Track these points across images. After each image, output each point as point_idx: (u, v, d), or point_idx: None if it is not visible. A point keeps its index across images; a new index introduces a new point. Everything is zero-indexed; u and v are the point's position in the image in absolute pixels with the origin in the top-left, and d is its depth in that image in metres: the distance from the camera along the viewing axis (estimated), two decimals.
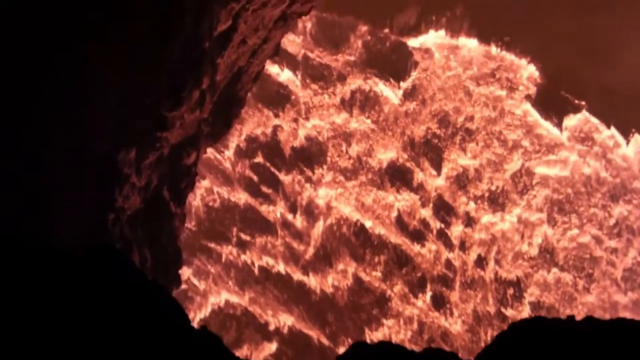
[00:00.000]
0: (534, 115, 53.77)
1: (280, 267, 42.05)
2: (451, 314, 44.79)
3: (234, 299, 40.16)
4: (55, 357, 15.50)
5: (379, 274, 44.13)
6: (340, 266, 43.89)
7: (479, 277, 46.66)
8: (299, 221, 43.93)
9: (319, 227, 44.28)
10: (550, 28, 54.12)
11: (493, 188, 50.63)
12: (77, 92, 30.68)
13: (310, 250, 43.47)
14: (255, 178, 43.62)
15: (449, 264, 46.05)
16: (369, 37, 50.09)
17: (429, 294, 44.95)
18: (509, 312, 46.01)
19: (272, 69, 46.69)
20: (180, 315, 18.88)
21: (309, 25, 48.46)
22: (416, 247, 45.80)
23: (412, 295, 44.35)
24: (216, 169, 42.64)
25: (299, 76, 47.80)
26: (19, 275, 17.04)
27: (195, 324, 18.83)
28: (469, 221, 48.45)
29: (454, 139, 51.13)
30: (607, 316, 45.67)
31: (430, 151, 49.79)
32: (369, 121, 48.22)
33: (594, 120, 54.56)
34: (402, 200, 47.06)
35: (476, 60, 53.44)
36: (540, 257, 48.70)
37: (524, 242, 49.05)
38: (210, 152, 41.46)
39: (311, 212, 44.47)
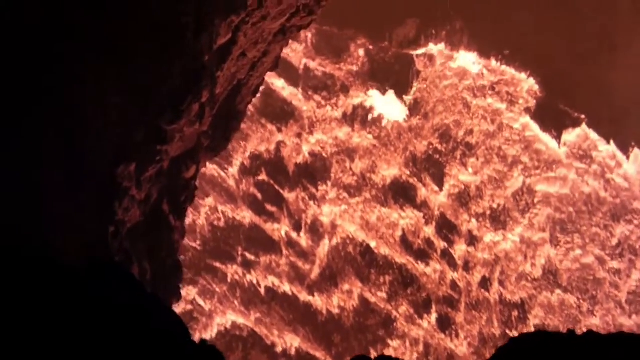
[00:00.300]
0: (533, 130, 56.66)
1: (286, 288, 44.01)
2: (457, 335, 47.25)
3: (240, 319, 41.94)
4: None
5: (384, 295, 46.35)
6: (346, 286, 46.01)
7: (484, 299, 49.23)
8: (303, 240, 45.98)
9: (325, 246, 46.40)
10: (549, 41, 57.02)
11: (495, 206, 53.32)
12: (76, 105, 32.25)
13: (316, 270, 45.59)
14: (259, 196, 45.52)
15: (454, 284, 48.57)
16: (370, 47, 52.58)
17: (434, 315, 47.24)
18: (514, 334, 48.58)
19: (277, 82, 48.78)
20: (181, 328, 20.03)
21: (309, 35, 50.71)
22: (421, 267, 48.23)
23: (417, 316, 46.64)
24: (220, 186, 44.42)
25: (301, 88, 49.96)
26: (16, 287, 18.08)
27: None
28: (472, 240, 51.00)
29: (454, 154, 53.74)
30: None
31: (432, 167, 52.35)
32: (370, 136, 50.52)
33: (594, 135, 57.66)
34: (406, 217, 49.40)
35: (475, 72, 56.21)
36: (544, 278, 51.47)
37: (527, 262, 51.71)
38: (214, 169, 43.33)
39: (316, 231, 46.60)
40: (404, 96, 53.70)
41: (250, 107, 46.64)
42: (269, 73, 48.94)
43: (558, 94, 57.76)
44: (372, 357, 42.85)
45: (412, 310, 47.30)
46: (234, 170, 45.82)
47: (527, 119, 57.35)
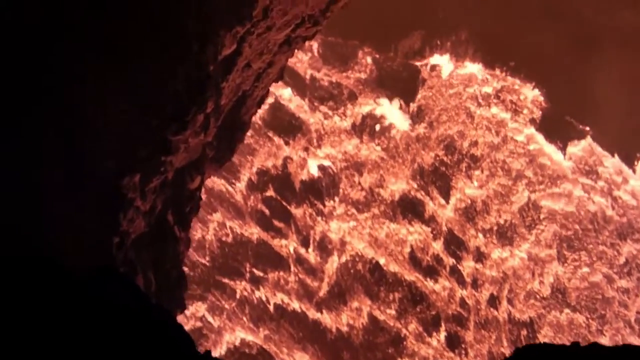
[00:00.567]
0: (538, 141, 59.35)
1: (295, 305, 46.12)
2: (466, 354, 49.63)
3: (249, 337, 43.99)
4: None
5: (393, 312, 48.59)
6: (355, 304, 48.24)
7: (493, 317, 51.64)
8: (312, 256, 48.18)
9: (333, 263, 48.66)
10: (556, 54, 59.82)
11: (501, 222, 55.80)
12: (80, 116, 34.28)
13: (325, 287, 47.76)
14: (267, 212, 47.74)
15: (463, 302, 50.91)
16: (377, 55, 55.23)
17: (443, 333, 49.51)
18: None
19: (284, 94, 51.21)
20: (185, 339, 21.18)
21: (315, 45, 53.21)
22: (430, 284, 50.54)
23: (426, 334, 48.93)
24: (228, 201, 46.63)
25: (307, 99, 52.36)
26: (19, 296, 19.25)
27: None
28: (480, 256, 53.47)
29: (460, 166, 56.31)
30: None
31: (439, 179, 54.92)
32: (379, 148, 53.05)
33: (599, 149, 60.35)
34: (414, 233, 51.77)
35: (480, 81, 58.90)
36: (552, 297, 54.04)
37: (535, 279, 54.20)
38: (221, 184, 45.52)
39: (324, 248, 48.82)
40: (410, 104, 56.28)
41: (257, 120, 48.98)
42: (276, 84, 51.50)
43: (563, 105, 60.47)
44: None
45: (421, 328, 49.60)
46: (241, 185, 47.99)
47: (532, 130, 60.00)
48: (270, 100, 51.35)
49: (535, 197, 58.68)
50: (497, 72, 60.73)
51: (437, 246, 53.26)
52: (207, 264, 45.20)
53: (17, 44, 33.81)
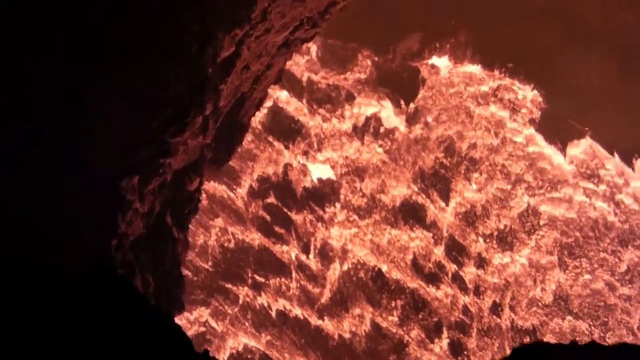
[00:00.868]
0: (537, 142, 63.15)
1: (298, 312, 49.35)
2: None
3: (252, 342, 47.21)
4: None
5: (395, 319, 51.92)
6: (357, 311, 51.56)
7: (495, 325, 55.21)
8: (313, 263, 51.51)
9: (335, 270, 52.06)
10: (554, 54, 63.67)
11: (501, 227, 59.39)
12: (78, 118, 37.45)
13: (327, 294, 51.06)
14: (268, 218, 51.17)
15: (466, 309, 54.32)
16: (376, 58, 58.94)
17: (445, 340, 52.89)
18: None
19: (282, 96, 54.69)
20: (183, 340, 22.97)
21: (313, 47, 56.79)
22: (432, 291, 53.97)
23: (429, 340, 52.33)
24: (229, 208, 50.05)
25: (305, 101, 55.86)
26: (17, 298, 20.81)
27: None
28: (481, 262, 56.92)
29: (459, 168, 59.92)
30: None
31: (439, 182, 58.58)
32: (380, 150, 56.62)
33: (599, 149, 64.26)
34: (416, 239, 55.25)
35: (478, 79, 62.70)
36: (554, 304, 57.76)
37: (537, 286, 57.79)
38: (223, 189, 48.91)
39: (326, 255, 52.25)
40: (410, 104, 59.94)
41: (257, 124, 52.38)
42: (274, 87, 54.83)
43: (562, 106, 64.26)
44: None
45: (423, 335, 52.94)
46: (242, 191, 51.27)
47: (531, 131, 63.70)
48: (268, 103, 54.74)
49: (535, 202, 62.18)
50: (496, 73, 64.33)
51: (439, 252, 56.69)
52: (210, 269, 48.59)
53: (17, 45, 36.89)
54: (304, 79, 58.44)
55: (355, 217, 55.97)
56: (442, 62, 63.67)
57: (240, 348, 47.80)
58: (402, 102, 61.31)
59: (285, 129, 56.21)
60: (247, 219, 51.32)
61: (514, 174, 62.70)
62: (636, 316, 61.06)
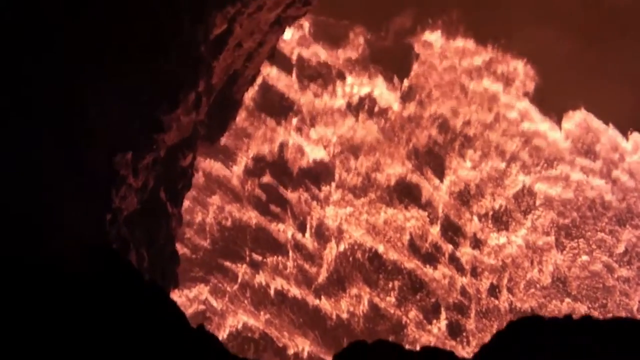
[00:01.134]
0: (532, 118, 70.23)
1: (296, 292, 55.83)
2: (468, 343, 59.54)
3: (251, 320, 53.77)
4: (52, 356, 20.88)
5: (393, 300, 58.48)
6: (354, 291, 58.04)
7: (494, 307, 61.89)
8: (309, 242, 58.08)
9: (332, 250, 58.65)
10: (547, 29, 70.81)
11: (496, 206, 66.08)
12: (73, 95, 43.13)
13: (323, 274, 57.60)
14: (264, 196, 57.72)
15: (464, 291, 60.97)
16: (368, 36, 65.76)
17: (444, 321, 59.44)
18: None
19: (272, 72, 61.35)
20: (177, 314, 25.43)
21: (306, 24, 63.68)
22: (429, 271, 60.58)
23: (427, 321, 58.85)
24: (225, 186, 56.57)
25: (295, 77, 62.47)
26: (14, 274, 23.09)
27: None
28: (477, 243, 63.59)
29: (453, 145, 66.68)
30: None
31: (433, 160, 65.32)
32: (375, 128, 63.32)
33: (594, 121, 71.36)
34: (412, 218, 61.89)
35: (471, 53, 69.77)
36: (553, 286, 64.54)
37: (534, 268, 64.44)
38: (219, 167, 55.31)
39: (322, 234, 58.88)
40: (404, 79, 66.82)
41: (249, 102, 58.78)
42: (265, 65, 61.05)
43: (555, 79, 71.26)
44: None
45: (421, 316, 59.47)
46: (238, 169, 57.82)
47: (525, 104, 70.70)
48: (258, 80, 61.33)
49: (530, 181, 68.95)
50: (489, 48, 71.22)
51: (435, 231, 63.32)
52: (208, 247, 55.17)
53: (13, 27, 42.03)
54: (294, 55, 65.06)
55: (351, 196, 62.60)
56: (434, 38, 70.53)
57: (240, 326, 54.17)
58: (395, 79, 67.94)
59: (276, 106, 62.84)
60: (244, 197, 58.07)
61: (508, 152, 69.64)
62: (635, 298, 67.54)
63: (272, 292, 56.80)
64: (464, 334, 61.43)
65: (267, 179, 60.79)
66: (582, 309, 66.07)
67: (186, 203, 54.28)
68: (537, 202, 69.23)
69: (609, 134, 73.79)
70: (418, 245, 63.12)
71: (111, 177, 44.86)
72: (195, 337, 24.85)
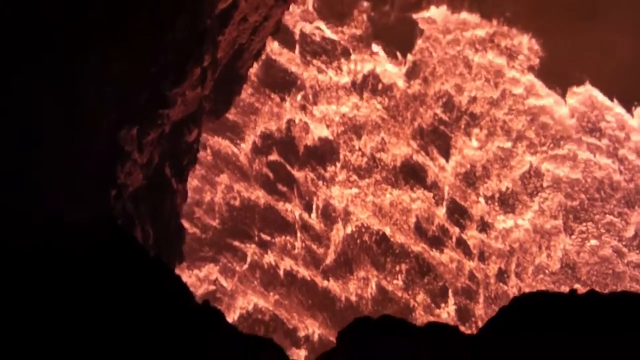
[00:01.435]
0: (538, 93, 78.58)
1: (305, 273, 63.55)
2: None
3: (261, 302, 61.61)
4: (56, 333, 22.73)
5: (400, 283, 66.35)
6: (362, 273, 65.81)
7: (503, 292, 69.72)
8: (316, 223, 66.00)
9: (339, 232, 66.60)
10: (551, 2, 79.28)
11: (503, 188, 74.10)
12: (77, 69, 46.63)
13: (331, 255, 65.42)
14: (271, 175, 65.41)
15: (472, 275, 68.92)
16: (372, 14, 73.70)
17: (452, 306, 67.26)
18: None
19: (275, 48, 69.20)
20: (183, 290, 27.61)
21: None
22: (436, 254, 68.48)
23: (435, 305, 66.65)
24: (233, 164, 63.96)
25: (297, 52, 70.21)
26: (20, 251, 25.21)
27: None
28: (484, 226, 71.56)
29: (459, 124, 74.81)
30: None
31: (438, 139, 73.49)
32: (379, 106, 71.17)
33: (598, 98, 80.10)
34: (417, 199, 69.83)
35: (474, 25, 78.07)
36: (562, 272, 72.37)
37: (543, 253, 72.31)
38: (227, 145, 62.76)
39: (328, 215, 66.75)
40: (408, 55, 74.96)
41: (253, 77, 66.12)
42: (268, 40, 67.94)
43: (560, 54, 79.61)
44: None
45: (429, 300, 67.25)
46: (246, 147, 65.49)
47: (530, 77, 78.76)
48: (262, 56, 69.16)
49: (537, 161, 76.91)
50: (494, 22, 79.31)
51: (441, 214, 71.19)
52: (218, 226, 62.64)
53: (14, 17, 44.42)
54: (297, 30, 72.80)
55: (356, 177, 70.67)
56: (439, 12, 78.67)
57: (250, 308, 61.82)
58: (399, 55, 75.94)
59: (279, 81, 70.87)
60: (251, 176, 65.78)
61: (515, 131, 77.86)
62: None
63: (281, 272, 64.87)
64: (473, 319, 69.01)
65: (274, 157, 68.89)
66: None
67: (195, 182, 61.94)
68: (544, 184, 76.89)
69: (615, 111, 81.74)
70: (424, 228, 71.11)
71: (116, 153, 49.74)
72: (201, 313, 27.20)
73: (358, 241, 69.20)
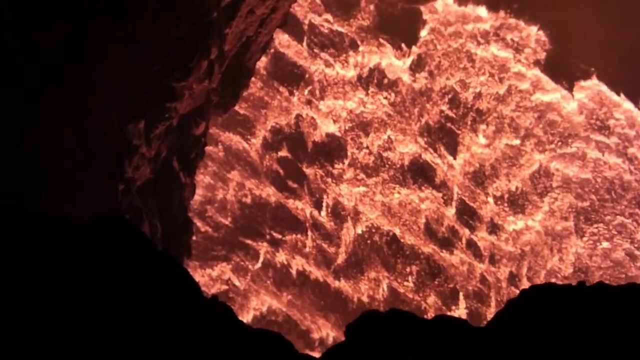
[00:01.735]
0: (544, 87, 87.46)
1: (318, 273, 71.64)
2: None
3: (274, 302, 69.47)
4: (63, 328, 23.86)
5: (411, 285, 74.66)
6: (372, 274, 74.00)
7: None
8: (326, 221, 74.33)
9: (350, 231, 75.16)
10: None
11: (512, 188, 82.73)
12: (85, 63, 52.18)
13: (342, 255, 73.74)
14: (281, 172, 73.50)
15: (483, 279, 77.43)
16: (379, 4, 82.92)
17: (464, 310, 75.55)
18: None
19: (283, 40, 77.48)
20: (191, 285, 28.79)
21: None
22: (447, 256, 76.83)
23: (446, 308, 74.96)
24: (244, 160, 71.89)
25: (305, 44, 78.55)
26: (26, 245, 26.36)
27: None
28: (494, 228, 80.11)
29: (465, 120, 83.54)
30: None
31: (446, 136, 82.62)
32: (385, 102, 79.62)
33: (605, 93, 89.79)
34: (426, 199, 78.47)
35: (479, 18, 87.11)
36: (574, 276, 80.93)
37: (554, 256, 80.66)
38: (238, 140, 70.82)
39: (338, 214, 75.28)
40: (412, 47, 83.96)
41: (262, 70, 73.96)
42: (277, 32, 75.29)
43: (567, 46, 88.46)
44: None
45: (440, 302, 75.43)
46: (256, 142, 73.73)
47: (536, 72, 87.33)
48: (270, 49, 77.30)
49: (546, 160, 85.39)
50: (502, 14, 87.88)
51: (450, 214, 79.50)
52: (230, 225, 70.41)
53: (20, 10, 50.45)
54: (306, 21, 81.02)
55: (363, 175, 79.41)
56: (445, 3, 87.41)
57: (264, 309, 69.43)
58: (404, 47, 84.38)
59: (288, 74, 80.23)
60: (262, 172, 73.72)
61: (522, 128, 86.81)
62: None
63: (294, 272, 73.15)
64: (485, 322, 76.72)
65: (284, 152, 77.48)
66: None
67: (207, 179, 69.63)
68: (554, 184, 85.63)
69: (623, 107, 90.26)
70: (434, 229, 79.90)
71: (124, 147, 54.93)
72: (209, 308, 28.27)
73: (368, 241, 77.84)
